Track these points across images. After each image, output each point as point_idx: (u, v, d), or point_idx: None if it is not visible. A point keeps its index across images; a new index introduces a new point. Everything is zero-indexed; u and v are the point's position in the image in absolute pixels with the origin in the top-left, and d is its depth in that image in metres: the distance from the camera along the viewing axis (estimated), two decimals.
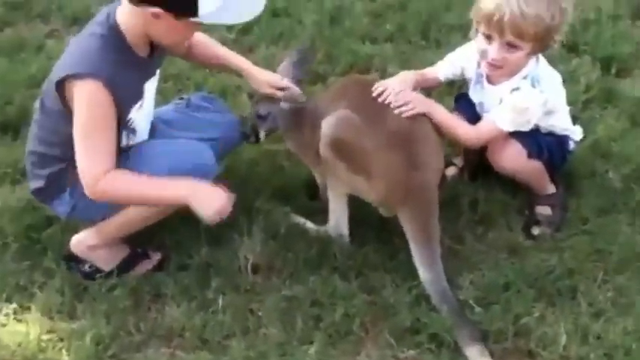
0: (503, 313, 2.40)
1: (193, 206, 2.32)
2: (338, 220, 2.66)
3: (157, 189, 2.36)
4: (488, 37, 2.59)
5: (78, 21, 4.01)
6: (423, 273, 2.46)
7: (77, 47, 2.37)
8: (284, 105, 2.75)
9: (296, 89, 2.74)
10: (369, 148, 2.47)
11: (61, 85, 2.31)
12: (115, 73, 2.29)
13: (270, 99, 2.76)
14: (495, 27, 2.53)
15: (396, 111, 2.54)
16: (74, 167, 2.40)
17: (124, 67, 2.33)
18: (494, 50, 2.59)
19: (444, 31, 3.91)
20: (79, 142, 2.30)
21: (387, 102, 2.57)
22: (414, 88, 2.72)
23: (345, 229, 2.67)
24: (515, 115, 2.62)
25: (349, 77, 3.00)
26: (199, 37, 2.73)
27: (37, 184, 2.53)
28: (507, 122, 2.63)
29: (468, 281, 2.53)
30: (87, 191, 2.31)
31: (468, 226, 2.75)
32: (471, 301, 2.45)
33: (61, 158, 2.46)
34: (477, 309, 2.42)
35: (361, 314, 2.42)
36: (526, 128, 2.66)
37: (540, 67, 2.67)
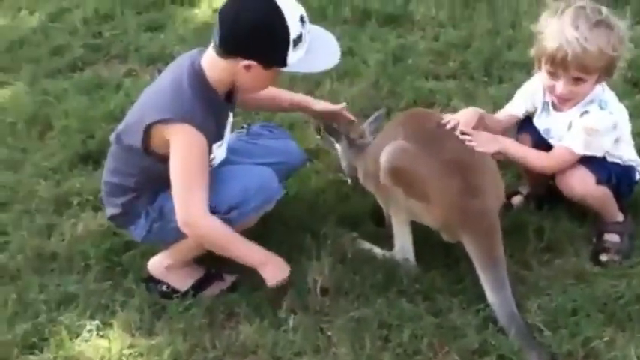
0: (572, 336, 2.39)
1: (262, 272, 2.55)
2: (403, 245, 2.72)
3: (242, 250, 2.54)
4: (552, 74, 2.64)
5: (154, 61, 4.23)
6: (491, 296, 2.48)
7: (165, 92, 2.48)
8: (345, 141, 2.96)
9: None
10: (425, 175, 2.54)
11: (147, 128, 2.43)
12: (204, 117, 2.42)
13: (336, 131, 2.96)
14: (559, 65, 2.59)
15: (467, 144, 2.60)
16: (146, 195, 2.58)
17: (210, 111, 2.46)
18: (560, 86, 2.64)
19: (506, 67, 3.96)
20: (179, 182, 2.43)
21: (454, 136, 2.63)
22: (477, 127, 2.75)
23: (410, 254, 2.71)
24: (587, 138, 2.65)
25: (408, 111, 3.08)
26: None
27: (113, 211, 2.66)
28: (580, 146, 2.66)
29: (535, 305, 2.52)
30: (184, 229, 2.45)
31: (534, 253, 2.75)
32: (540, 325, 2.44)
33: (134, 189, 2.59)
34: (546, 332, 2.42)
35: (429, 335, 2.43)
36: (599, 153, 2.69)
37: (606, 91, 2.70)
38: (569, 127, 2.70)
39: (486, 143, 2.64)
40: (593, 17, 2.56)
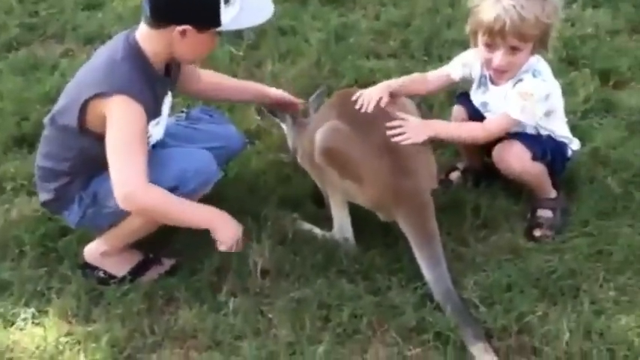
0: (506, 311, 2.42)
1: (216, 231, 2.45)
2: (341, 225, 2.71)
3: (187, 213, 2.45)
4: (489, 46, 2.66)
5: (91, 41, 4.12)
6: (427, 273, 2.49)
7: (99, 67, 2.41)
8: (289, 120, 2.94)
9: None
10: (358, 156, 2.55)
11: (84, 105, 2.36)
12: (141, 89, 2.36)
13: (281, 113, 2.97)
14: (498, 34, 2.60)
15: (396, 139, 2.58)
16: (80, 179, 2.51)
17: (148, 84, 2.40)
18: (498, 57, 2.65)
19: (446, 46, 3.96)
20: (117, 154, 2.33)
21: (386, 115, 2.64)
22: (397, 96, 2.76)
23: (349, 234, 2.71)
24: (522, 102, 2.67)
25: (342, 91, 3.07)
26: (205, 72, 2.88)
27: (46, 196, 2.59)
28: (516, 110, 2.68)
29: (472, 282, 2.55)
30: (123, 203, 2.34)
31: (471, 230, 2.78)
32: (475, 301, 2.47)
33: (67, 173, 2.52)
34: (482, 308, 2.44)
35: (368, 314, 2.44)
36: (532, 120, 2.72)
37: (541, 62, 2.74)
38: (505, 97, 2.72)
39: (416, 133, 2.62)
40: None
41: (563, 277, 2.54)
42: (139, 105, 2.34)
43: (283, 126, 3.04)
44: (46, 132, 2.57)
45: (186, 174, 2.45)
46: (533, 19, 2.57)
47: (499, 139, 2.78)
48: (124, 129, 2.34)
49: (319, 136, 2.61)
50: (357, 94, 2.71)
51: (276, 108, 3.01)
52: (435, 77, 2.94)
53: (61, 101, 2.50)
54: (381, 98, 2.67)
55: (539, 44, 2.68)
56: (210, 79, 2.91)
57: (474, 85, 2.88)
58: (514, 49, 2.63)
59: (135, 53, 2.41)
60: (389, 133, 2.58)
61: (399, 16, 4.32)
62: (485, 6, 2.62)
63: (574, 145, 2.87)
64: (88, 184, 2.51)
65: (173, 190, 2.42)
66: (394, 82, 2.83)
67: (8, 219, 2.86)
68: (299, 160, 2.89)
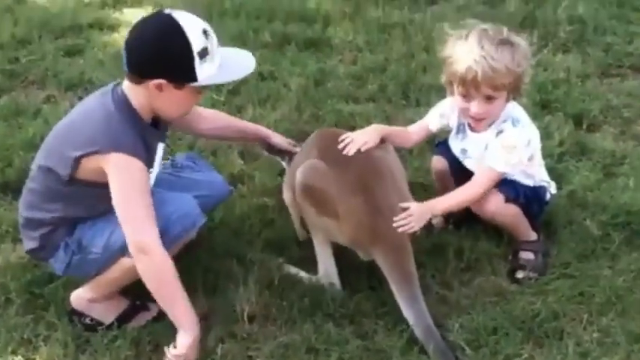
0: (493, 354, 2.43)
1: (180, 337, 2.38)
2: (327, 268, 2.72)
3: (180, 302, 2.39)
4: (465, 96, 2.70)
5: (73, 87, 4.10)
6: (406, 311, 2.51)
7: (92, 121, 2.40)
8: (287, 159, 2.99)
9: None
10: (334, 193, 2.58)
11: (77, 159, 2.35)
12: (134, 143, 2.35)
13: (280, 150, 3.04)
14: (471, 85, 2.65)
15: (401, 229, 2.58)
16: (64, 227, 2.48)
17: (139, 137, 2.39)
18: (475, 106, 2.69)
19: (422, 90, 4.02)
20: (127, 210, 2.32)
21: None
22: (381, 142, 2.79)
23: (334, 278, 2.72)
24: (506, 155, 2.71)
25: (322, 130, 3.12)
26: (207, 113, 2.90)
27: (31, 244, 2.55)
28: (501, 163, 2.72)
29: (457, 325, 2.55)
30: (139, 253, 2.31)
31: (455, 273, 2.79)
32: (462, 344, 2.47)
33: (51, 222, 2.49)
34: (468, 351, 2.45)
35: (356, 359, 2.44)
36: (518, 168, 2.76)
37: (517, 109, 2.79)
38: (486, 147, 2.76)
39: (419, 218, 2.62)
40: (497, 37, 2.64)
41: (547, 320, 2.56)
42: (137, 160, 2.33)
43: (284, 164, 3.07)
44: (29, 183, 2.55)
45: (170, 217, 2.43)
46: (504, 68, 2.61)
47: (473, 174, 2.82)
48: (128, 186, 2.33)
49: (299, 173, 2.64)
50: (343, 136, 2.73)
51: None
52: (416, 130, 2.98)
53: (52, 149, 2.46)
54: (365, 142, 2.70)
55: (514, 91, 2.72)
56: (214, 122, 2.92)
57: (453, 133, 2.92)
58: (489, 98, 2.67)
59: (124, 106, 2.41)
60: (394, 224, 2.58)
61: (375, 61, 4.38)
62: (457, 57, 2.66)
63: (552, 188, 2.92)
64: (72, 231, 2.49)
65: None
66: (383, 129, 2.86)
67: None
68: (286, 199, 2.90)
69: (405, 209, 2.60)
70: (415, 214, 2.62)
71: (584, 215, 3.04)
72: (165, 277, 2.35)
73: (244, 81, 4.05)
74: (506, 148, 2.71)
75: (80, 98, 3.66)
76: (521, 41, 2.69)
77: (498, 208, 2.77)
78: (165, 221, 2.40)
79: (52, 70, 4.27)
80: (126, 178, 2.33)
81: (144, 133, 2.43)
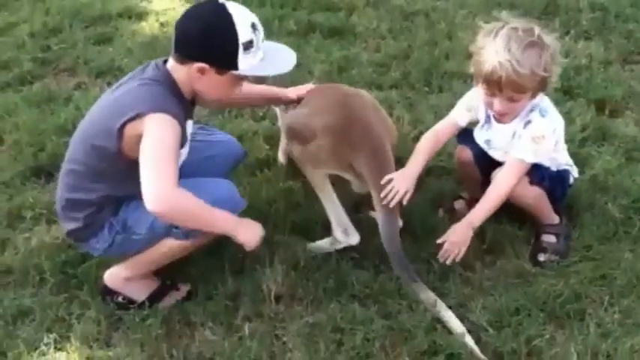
0: (515, 335, 2.44)
1: (238, 236, 2.44)
2: (337, 217, 2.78)
3: (215, 215, 2.40)
4: (489, 92, 2.66)
5: (103, 74, 4.13)
6: (380, 215, 2.65)
7: (135, 91, 2.42)
8: None
9: None
10: (312, 120, 2.74)
11: (122, 128, 2.36)
12: (177, 110, 2.38)
13: None
14: (495, 86, 2.60)
15: (447, 261, 2.63)
16: (109, 207, 2.50)
17: (180, 108, 2.42)
18: (497, 104, 2.66)
19: (445, 77, 4.00)
20: (149, 161, 2.29)
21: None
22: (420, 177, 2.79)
23: (347, 224, 2.77)
24: (535, 146, 2.68)
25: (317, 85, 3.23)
26: None
27: (72, 225, 2.56)
28: (531, 155, 2.69)
29: (480, 306, 2.56)
30: (154, 203, 2.25)
31: (477, 255, 2.79)
32: (484, 324, 2.48)
33: (96, 202, 2.50)
34: (491, 331, 2.46)
35: (380, 338, 2.45)
36: (546, 158, 2.75)
37: (544, 99, 2.75)
38: (513, 136, 2.74)
39: (464, 240, 2.63)
40: (526, 39, 2.56)
41: (569, 301, 2.56)
42: (175, 121, 2.35)
43: (277, 111, 3.25)
44: (69, 165, 2.55)
45: (217, 204, 2.43)
46: (529, 73, 2.54)
47: (498, 164, 2.81)
48: (159, 139, 2.32)
49: (285, 120, 2.90)
50: (383, 181, 2.67)
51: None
52: (444, 129, 2.89)
53: (96, 127, 2.46)
54: (406, 192, 2.66)
55: (540, 89, 2.67)
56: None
57: (480, 123, 2.88)
58: (512, 99, 2.63)
59: (168, 80, 2.44)
60: (440, 257, 2.63)
61: (398, 48, 4.35)
62: (484, 56, 2.59)
63: (575, 172, 2.90)
64: (117, 211, 2.51)
65: None
66: (417, 167, 2.77)
67: (28, 247, 2.86)
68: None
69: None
70: (458, 238, 2.62)
71: (606, 199, 3.02)
72: (188, 208, 2.33)
73: None
74: (536, 140, 2.68)
75: (109, 84, 3.72)
76: (552, 42, 2.60)
77: (523, 190, 2.75)
78: (212, 204, 2.40)
79: (82, 58, 4.30)
80: (159, 135, 2.32)
81: (184, 108, 2.47)
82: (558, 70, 2.67)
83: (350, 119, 2.71)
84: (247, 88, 2.88)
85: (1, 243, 2.92)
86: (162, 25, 4.65)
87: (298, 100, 3.03)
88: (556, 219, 2.88)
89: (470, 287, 2.67)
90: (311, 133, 2.70)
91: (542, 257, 2.78)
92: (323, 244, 2.81)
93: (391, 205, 2.64)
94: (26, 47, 4.45)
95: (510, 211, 2.89)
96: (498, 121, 2.79)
